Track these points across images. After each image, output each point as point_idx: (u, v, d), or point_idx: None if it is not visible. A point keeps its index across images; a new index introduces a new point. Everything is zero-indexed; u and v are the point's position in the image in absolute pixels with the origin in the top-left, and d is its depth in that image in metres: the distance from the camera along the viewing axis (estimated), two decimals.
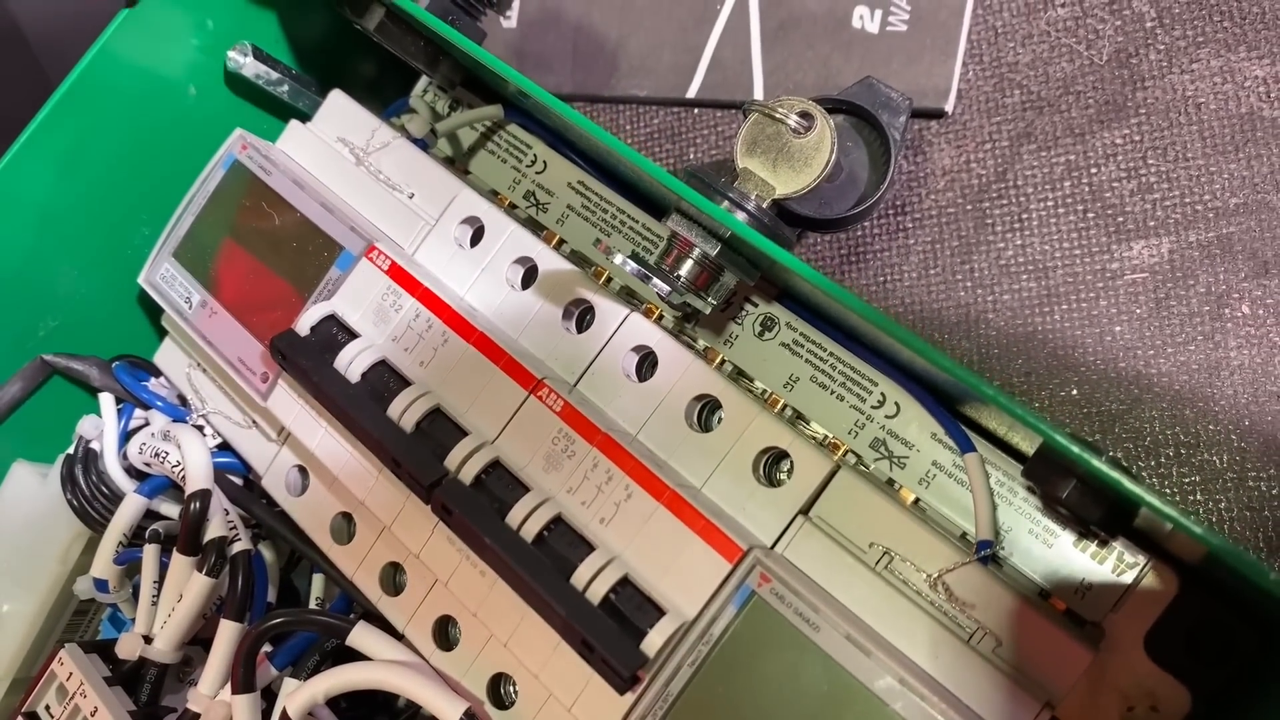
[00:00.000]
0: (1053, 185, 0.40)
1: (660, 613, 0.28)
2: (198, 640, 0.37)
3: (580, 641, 0.28)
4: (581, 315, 0.34)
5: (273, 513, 0.37)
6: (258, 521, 0.37)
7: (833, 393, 0.33)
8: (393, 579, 0.35)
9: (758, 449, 0.30)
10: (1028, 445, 0.30)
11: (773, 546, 0.29)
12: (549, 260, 0.34)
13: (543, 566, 0.28)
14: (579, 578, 0.28)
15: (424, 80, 0.43)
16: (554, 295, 0.34)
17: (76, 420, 0.41)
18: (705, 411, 0.32)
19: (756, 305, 0.35)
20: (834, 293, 0.27)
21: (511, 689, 0.32)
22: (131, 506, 0.38)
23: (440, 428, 0.32)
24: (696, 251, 0.32)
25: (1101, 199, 0.39)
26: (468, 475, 0.30)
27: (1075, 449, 0.24)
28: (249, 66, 0.39)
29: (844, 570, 0.28)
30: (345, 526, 0.36)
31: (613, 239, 0.38)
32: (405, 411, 0.32)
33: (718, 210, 0.28)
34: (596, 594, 0.28)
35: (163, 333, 0.42)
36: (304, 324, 0.34)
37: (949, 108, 0.42)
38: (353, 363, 0.33)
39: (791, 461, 0.30)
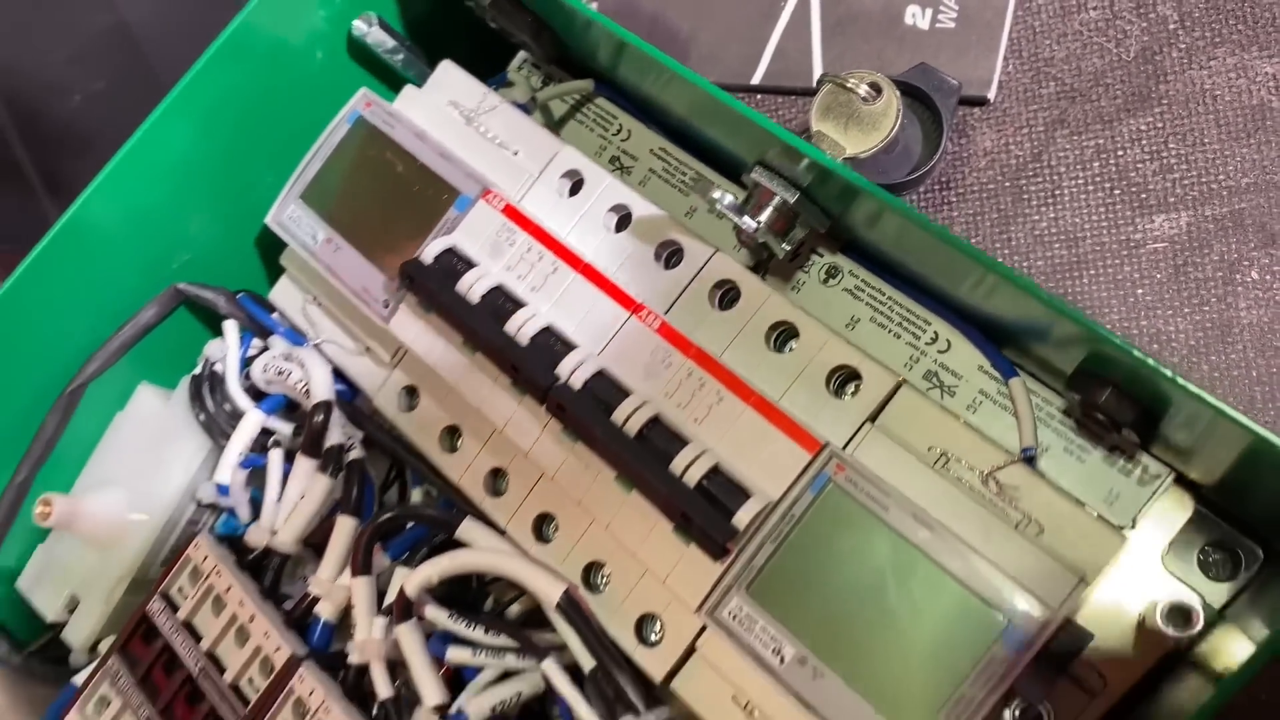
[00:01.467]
0: (1083, 165, 0.45)
1: (747, 495, 0.32)
2: (307, 544, 0.41)
3: (680, 516, 0.32)
4: (670, 255, 0.38)
5: (382, 428, 0.41)
6: (368, 436, 0.41)
7: (890, 331, 0.38)
8: (494, 484, 0.39)
9: (830, 367, 0.35)
10: (1069, 367, 0.34)
11: (843, 448, 0.34)
12: (642, 208, 0.39)
13: (647, 455, 0.33)
14: (677, 464, 0.33)
15: (519, 56, 0.48)
16: (646, 237, 0.38)
17: (193, 351, 0.46)
18: (781, 337, 0.36)
19: (822, 255, 0.40)
20: (923, 223, 0.31)
21: (602, 577, 0.36)
22: (253, 420, 0.42)
23: (551, 342, 0.36)
24: (776, 199, 0.36)
25: (1127, 178, 0.44)
26: (577, 381, 0.35)
27: (1118, 340, 0.28)
28: (372, 35, 0.44)
29: (906, 468, 0.33)
30: (450, 439, 0.40)
31: (690, 197, 0.42)
32: (521, 327, 0.36)
33: (815, 150, 0.32)
34: (693, 478, 0.32)
35: (276, 274, 0.46)
36: (428, 254, 0.38)
37: (991, 96, 0.47)
38: (473, 287, 0.37)
39: (860, 381, 0.35)
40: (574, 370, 0.35)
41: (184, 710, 0.37)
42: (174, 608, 0.38)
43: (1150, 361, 0.28)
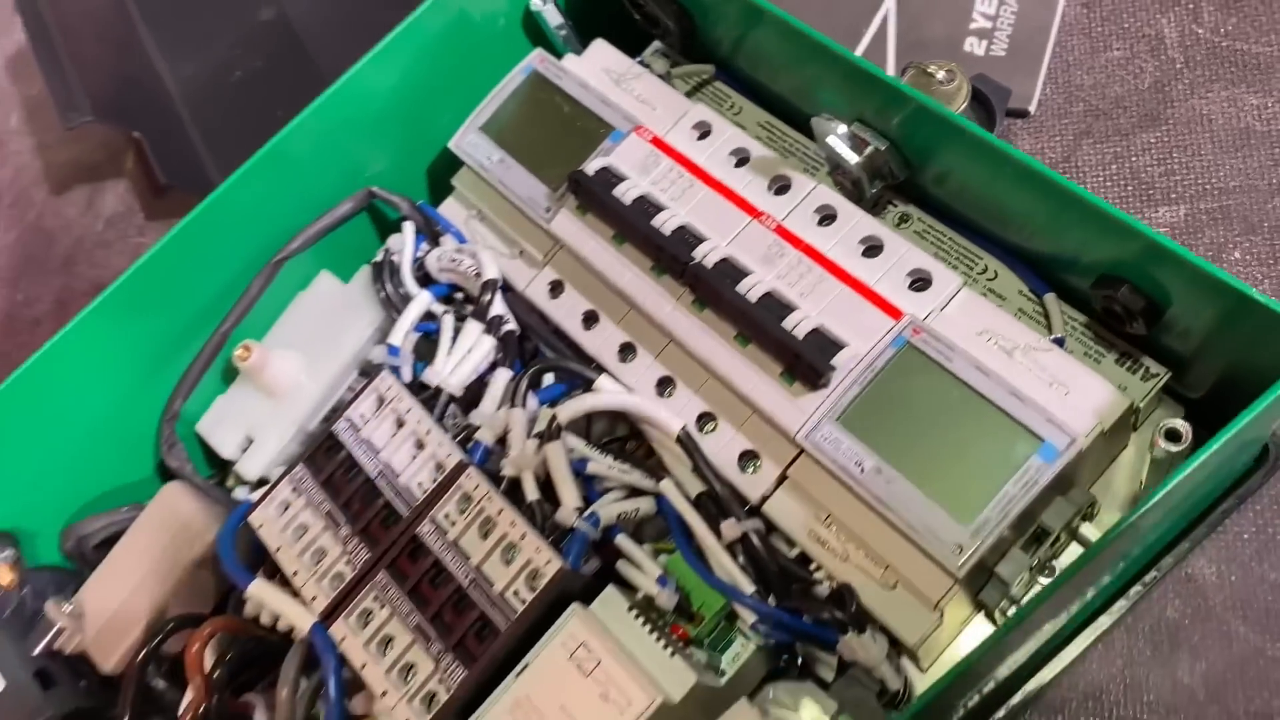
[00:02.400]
0: (1103, 167, 0.56)
1: (840, 348, 0.42)
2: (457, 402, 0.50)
3: (792, 357, 0.41)
4: (780, 188, 0.48)
5: (531, 312, 0.51)
6: (519, 318, 0.51)
7: (949, 264, 0.48)
8: (624, 355, 0.48)
9: (908, 269, 0.44)
10: (1087, 283, 0.44)
11: None
12: (758, 149, 0.49)
13: (766, 313, 0.43)
14: (789, 321, 0.42)
15: (652, 46, 0.59)
16: (761, 171, 0.49)
17: (361, 252, 0.56)
18: (871, 250, 0.46)
19: (895, 205, 0.50)
20: (1010, 151, 0.41)
21: (711, 425, 0.45)
22: (423, 299, 0.52)
23: (687, 234, 0.46)
24: (870, 148, 0.47)
25: (1138, 178, 0.55)
26: (710, 261, 0.45)
27: (1146, 229, 0.38)
28: (548, 13, 0.56)
29: (966, 341, 0.42)
30: (588, 321, 0.49)
31: (789, 161, 0.53)
32: (665, 222, 0.46)
33: (929, 99, 0.43)
34: (801, 332, 0.42)
35: (439, 196, 0.56)
36: (590, 168, 0.49)
37: (1031, 110, 0.58)
38: (626, 192, 0.47)
39: (931, 284, 0.44)
40: (707, 253, 0.45)
41: (360, 506, 0.46)
42: (356, 428, 0.47)
43: (1163, 238, 0.38)
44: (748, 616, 0.42)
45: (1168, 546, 0.47)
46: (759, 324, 0.43)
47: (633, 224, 0.46)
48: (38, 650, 0.49)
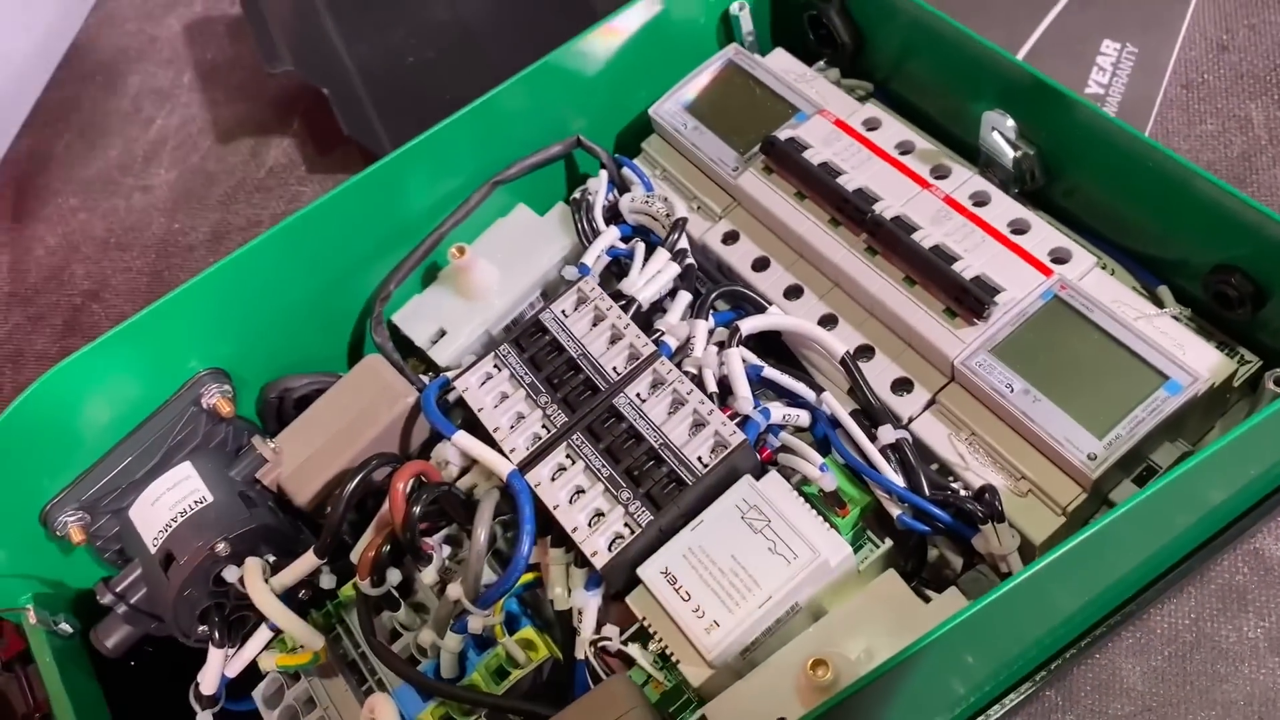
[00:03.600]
0: None
1: (999, 292, 0.50)
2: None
3: (959, 292, 0.49)
4: (941, 174, 0.57)
5: (707, 255, 0.59)
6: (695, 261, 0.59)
7: None
8: (791, 295, 0.56)
9: (1051, 246, 0.53)
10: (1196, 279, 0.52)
11: None
12: (921, 142, 0.58)
13: (937, 257, 0.51)
14: (957, 266, 0.50)
15: (817, 64, 0.68)
16: (923, 160, 0.57)
17: (550, 194, 0.64)
18: (1018, 231, 0.54)
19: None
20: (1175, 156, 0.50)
21: (870, 356, 0.53)
22: (612, 233, 0.59)
23: (867, 193, 0.54)
24: (1020, 151, 0.56)
25: None
26: (888, 213, 0.53)
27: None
28: (743, 18, 0.65)
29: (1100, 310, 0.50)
30: (758, 266, 0.57)
31: (947, 153, 0.62)
32: (847, 181, 0.55)
33: (1091, 104, 0.52)
34: (967, 275, 0.50)
35: (627, 155, 0.65)
36: (781, 134, 0.57)
37: None
38: (814, 156, 0.56)
39: (1070, 261, 0.52)
40: (885, 209, 0.53)
41: (560, 380, 0.52)
42: (559, 319, 0.54)
43: None
44: (894, 509, 0.49)
45: (1238, 519, 0.54)
46: (931, 265, 0.51)
47: (819, 180, 0.55)
48: (241, 478, 0.55)
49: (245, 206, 0.88)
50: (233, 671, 0.53)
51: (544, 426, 0.52)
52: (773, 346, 0.55)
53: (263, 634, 0.53)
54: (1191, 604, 0.54)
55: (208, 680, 0.52)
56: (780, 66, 0.64)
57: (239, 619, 0.54)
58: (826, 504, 0.50)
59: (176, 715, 0.55)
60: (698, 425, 0.49)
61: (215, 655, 0.52)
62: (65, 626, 0.55)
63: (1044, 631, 0.51)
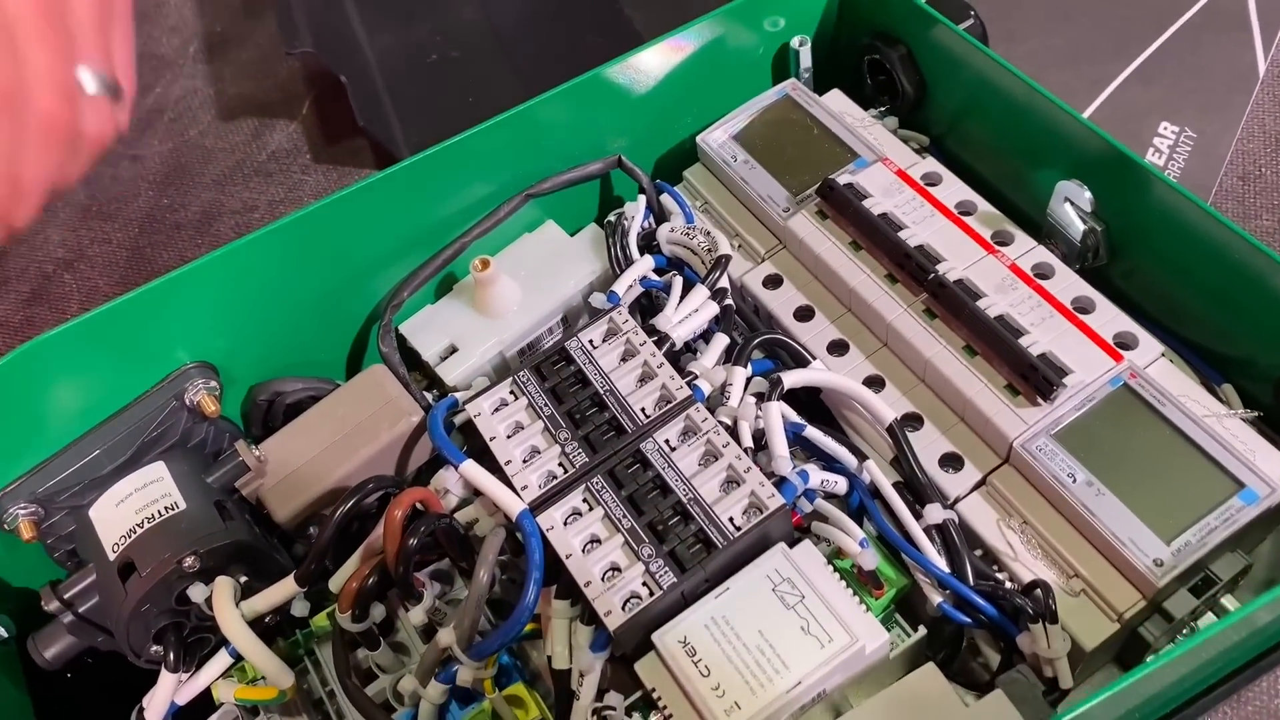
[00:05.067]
0: None
1: (1067, 373, 0.46)
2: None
3: (1027, 369, 0.46)
4: (1002, 240, 0.54)
5: (744, 297, 0.55)
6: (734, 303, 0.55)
7: None
8: (835, 350, 0.52)
9: (1116, 330, 0.50)
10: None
11: None
12: (983, 205, 0.55)
13: (1003, 329, 0.47)
14: (1024, 340, 0.47)
15: (871, 111, 0.65)
16: (984, 224, 0.54)
17: (583, 214, 0.60)
18: (1083, 310, 0.51)
19: None
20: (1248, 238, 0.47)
21: (916, 425, 0.49)
22: (647, 262, 0.55)
23: (928, 254, 0.51)
24: (1088, 225, 0.53)
25: None
26: (951, 276, 0.50)
27: None
28: (803, 54, 0.62)
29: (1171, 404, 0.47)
30: (801, 316, 0.54)
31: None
32: (909, 237, 0.51)
33: (1171, 180, 0.49)
34: (1034, 350, 0.47)
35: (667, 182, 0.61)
36: (840, 180, 0.54)
37: None
38: (874, 206, 0.53)
39: (1136, 348, 0.49)
40: (948, 271, 0.50)
41: (583, 416, 0.48)
42: (586, 350, 0.50)
43: None
44: (934, 595, 0.45)
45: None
46: (997, 336, 0.47)
47: (879, 232, 0.51)
48: (218, 485, 0.50)
49: (241, 189, 0.83)
50: (184, 699, 0.48)
51: (561, 465, 0.47)
52: (807, 404, 0.52)
53: (221, 660, 0.48)
54: None
55: (155, 706, 0.47)
56: (838, 108, 0.60)
57: (198, 640, 0.49)
58: (860, 582, 0.46)
59: None
60: (732, 482, 0.45)
61: (167, 680, 0.47)
62: (0, 630, 0.49)
63: None
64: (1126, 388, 0.47)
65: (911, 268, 0.50)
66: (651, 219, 0.59)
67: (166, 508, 0.47)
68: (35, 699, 0.51)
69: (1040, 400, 0.46)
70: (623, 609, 0.43)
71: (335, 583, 0.48)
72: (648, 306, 0.56)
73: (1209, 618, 0.47)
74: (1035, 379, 0.46)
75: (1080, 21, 0.77)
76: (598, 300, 0.55)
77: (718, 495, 0.45)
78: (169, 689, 0.47)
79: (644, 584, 0.43)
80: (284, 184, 0.83)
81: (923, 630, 0.46)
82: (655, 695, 0.43)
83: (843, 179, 0.55)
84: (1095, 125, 0.52)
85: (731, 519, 0.44)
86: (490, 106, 0.57)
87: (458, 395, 0.51)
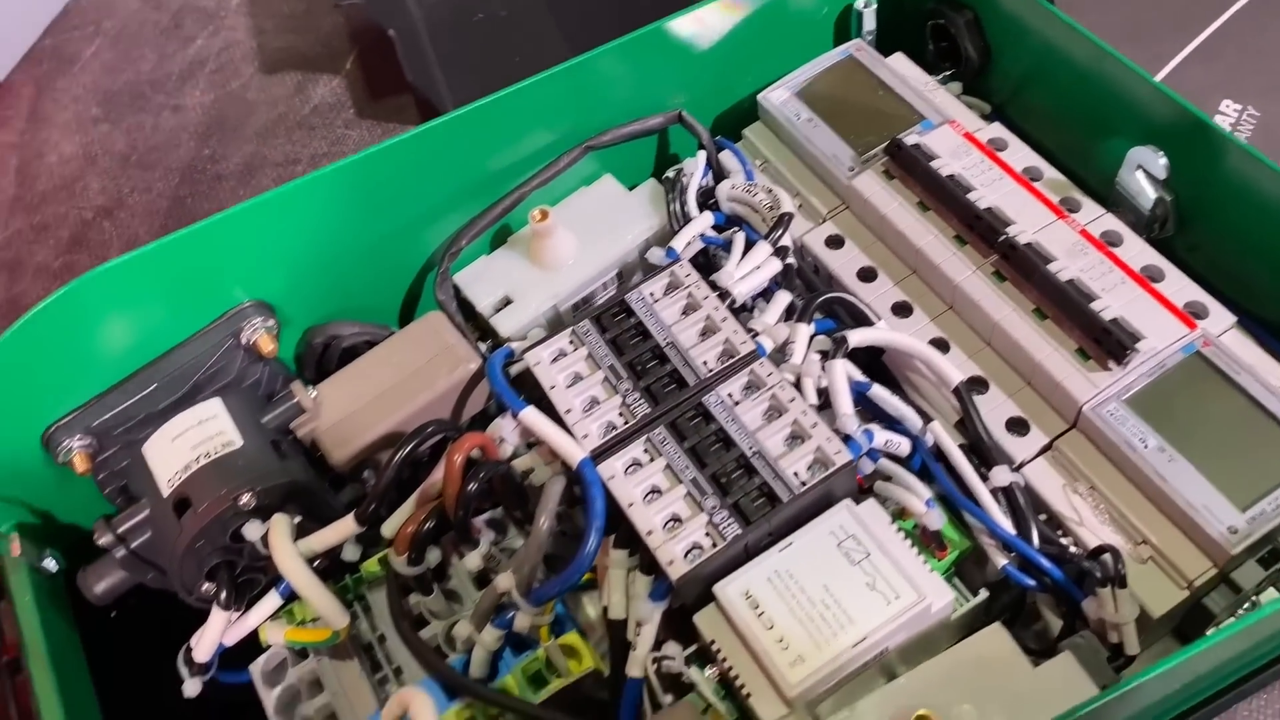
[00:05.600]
0: None
1: (1140, 338, 0.46)
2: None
3: (1101, 329, 0.45)
4: (1070, 207, 0.53)
5: (804, 257, 0.54)
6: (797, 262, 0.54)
7: None
8: (899, 312, 0.52)
9: (1187, 299, 0.49)
10: None
11: None
12: (1050, 172, 0.54)
13: (1075, 293, 0.46)
14: (1096, 305, 0.46)
15: (938, 76, 0.64)
16: (1052, 190, 0.53)
17: (640, 169, 0.60)
18: (1151, 277, 0.50)
19: None
20: None
21: (981, 389, 0.49)
22: (707, 218, 0.55)
23: (998, 216, 0.50)
24: (1158, 195, 0.52)
25: None
26: (1022, 238, 0.49)
27: None
28: (867, 16, 0.61)
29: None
30: (864, 276, 0.53)
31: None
32: (979, 199, 0.50)
33: (1245, 146, 0.48)
34: (1106, 316, 0.46)
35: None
36: (908, 140, 0.53)
37: None
38: (942, 167, 0.52)
39: (1208, 313, 0.48)
40: (1019, 233, 0.49)
41: (644, 368, 0.47)
42: (647, 302, 0.49)
43: None
44: (999, 558, 0.44)
45: None
46: (1069, 300, 0.47)
47: (948, 193, 0.51)
48: (273, 425, 0.49)
49: (284, 142, 0.83)
50: (232, 639, 0.47)
51: (621, 416, 0.47)
52: (866, 368, 0.51)
53: (270, 601, 0.47)
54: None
55: (204, 645, 0.47)
56: (902, 71, 0.60)
57: (248, 581, 0.49)
58: (923, 543, 0.46)
59: (155, 677, 0.49)
60: (796, 438, 0.45)
61: (217, 618, 0.47)
62: (50, 564, 0.49)
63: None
64: (1199, 355, 0.46)
65: (982, 229, 0.50)
66: (710, 176, 0.58)
67: (223, 445, 0.47)
68: (82, 635, 0.51)
69: (1112, 365, 0.46)
70: (685, 558, 0.43)
71: (388, 528, 0.48)
72: (703, 265, 0.55)
73: (1270, 594, 0.46)
74: (1108, 343, 0.45)
75: None
76: (654, 256, 0.54)
77: (782, 450, 0.44)
78: (219, 627, 0.47)
79: (707, 535, 0.43)
80: (327, 138, 0.82)
81: (984, 593, 0.45)
82: (715, 647, 0.43)
83: (910, 140, 0.54)
84: (1170, 90, 0.51)
85: (796, 474, 0.44)
86: (536, 67, 0.56)
87: (513, 346, 0.51)
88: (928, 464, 0.47)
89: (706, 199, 0.57)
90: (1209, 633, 0.45)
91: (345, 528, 0.45)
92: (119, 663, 0.51)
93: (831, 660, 0.40)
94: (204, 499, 0.45)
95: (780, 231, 0.53)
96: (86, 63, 0.92)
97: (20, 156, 0.86)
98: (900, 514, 0.46)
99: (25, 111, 0.89)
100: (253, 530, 0.46)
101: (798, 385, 0.47)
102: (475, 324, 0.56)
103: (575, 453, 0.45)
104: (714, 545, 0.43)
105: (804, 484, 0.43)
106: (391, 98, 0.84)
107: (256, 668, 0.49)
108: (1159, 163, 0.51)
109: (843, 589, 0.42)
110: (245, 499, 0.45)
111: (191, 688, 0.48)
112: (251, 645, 0.48)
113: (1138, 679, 0.37)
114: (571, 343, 0.49)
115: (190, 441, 0.47)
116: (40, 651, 0.45)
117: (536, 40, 0.83)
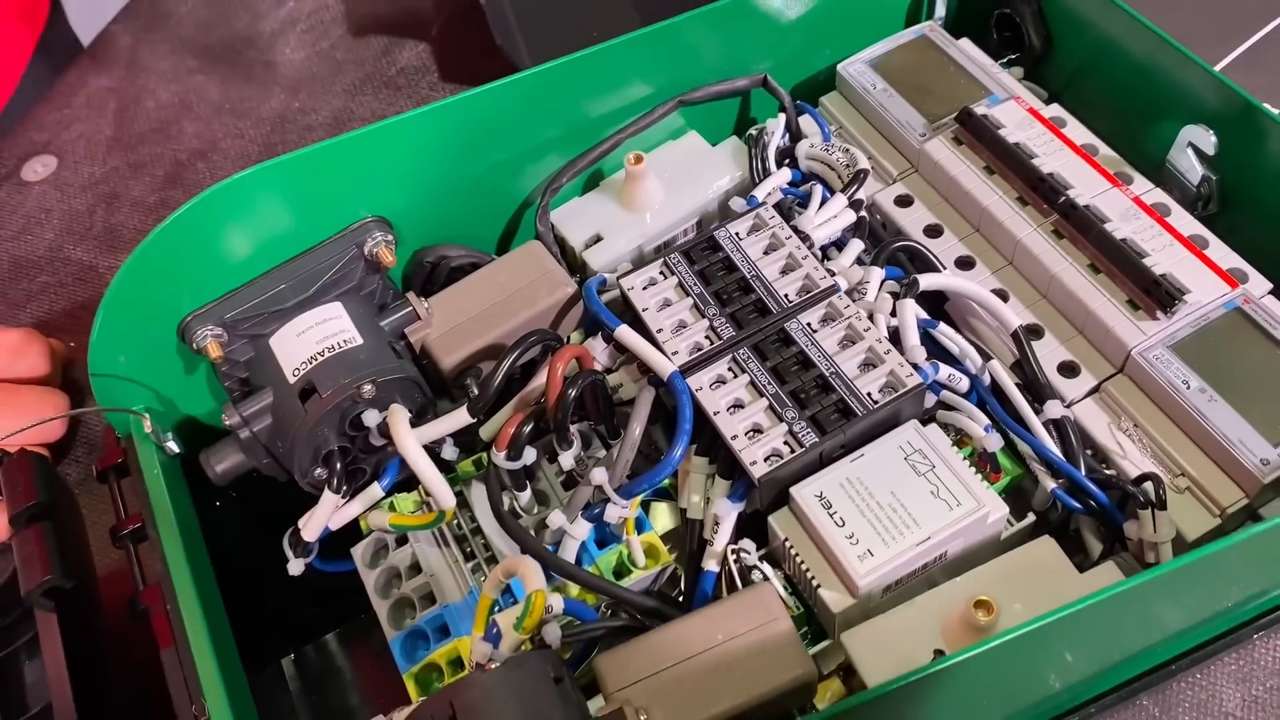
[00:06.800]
0: None
1: (1187, 292, 0.50)
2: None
3: (1147, 284, 0.50)
4: (1126, 179, 0.58)
5: (874, 214, 0.59)
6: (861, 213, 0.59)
7: None
8: (962, 265, 0.56)
9: (1230, 265, 0.53)
10: None
11: None
12: (1105, 150, 0.59)
13: (1128, 248, 0.51)
14: (1146, 261, 0.51)
15: (1004, 60, 0.69)
16: (1107, 165, 0.58)
17: (728, 132, 0.64)
18: (1197, 242, 0.55)
19: None
20: None
21: (1035, 336, 0.53)
22: (784, 174, 0.59)
23: (1059, 180, 0.55)
24: (1204, 173, 0.56)
25: None
26: (1080, 200, 0.53)
27: None
28: (939, 1, 0.66)
29: None
30: (930, 233, 0.58)
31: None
32: (1042, 164, 0.55)
33: (1276, 116, 0.53)
34: (1156, 271, 0.50)
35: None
36: (978, 110, 0.58)
37: None
38: (1009, 135, 0.56)
39: (1248, 279, 0.53)
40: (1077, 196, 0.54)
41: (730, 296, 0.52)
42: (734, 239, 0.54)
43: None
44: (1049, 482, 0.49)
45: None
46: (1123, 255, 0.51)
47: (1013, 157, 0.55)
48: (389, 329, 0.54)
49: (371, 100, 0.88)
50: (337, 524, 0.52)
51: (708, 338, 0.51)
52: (932, 311, 0.55)
53: (372, 492, 0.52)
54: None
55: (312, 525, 0.51)
56: (970, 53, 0.64)
57: (355, 470, 0.53)
58: (980, 467, 0.50)
59: (255, 560, 0.54)
60: (869, 364, 0.49)
61: (328, 500, 0.51)
62: (173, 445, 0.54)
63: (1151, 641, 0.51)
64: (1240, 311, 0.50)
65: (1044, 191, 0.54)
66: (788, 138, 0.62)
67: (345, 341, 0.51)
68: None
69: (1160, 315, 0.50)
70: (765, 462, 0.47)
71: (487, 431, 0.53)
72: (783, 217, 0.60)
73: None
74: (1158, 293, 0.50)
75: (1187, 6, 0.81)
76: (736, 204, 0.59)
77: (857, 373, 0.49)
78: (328, 509, 0.51)
79: (785, 442, 0.47)
80: (412, 98, 0.87)
81: (1032, 517, 0.50)
82: (789, 545, 0.47)
83: (979, 109, 0.58)
84: (1224, 76, 0.55)
85: (870, 393, 0.48)
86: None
87: (606, 276, 0.56)
88: (984, 398, 0.51)
89: (784, 159, 0.62)
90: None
91: (459, 418, 0.50)
92: (224, 546, 0.56)
93: (897, 555, 0.44)
94: (329, 386, 0.50)
95: (856, 186, 0.58)
96: (183, 18, 0.97)
97: (118, 100, 0.91)
98: (959, 443, 0.50)
99: (124, 60, 0.94)
100: (371, 417, 0.50)
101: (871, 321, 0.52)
102: (568, 262, 0.61)
103: (666, 365, 0.50)
104: (792, 451, 0.47)
105: (877, 402, 0.48)
106: (475, 64, 0.89)
107: (358, 552, 0.53)
108: (1209, 140, 0.55)
109: (909, 495, 0.46)
110: (367, 389, 0.50)
111: (295, 567, 0.52)
112: (344, 538, 0.53)
113: (1181, 561, 0.42)
114: (662, 273, 0.54)
115: (315, 337, 0.51)
116: (171, 522, 0.49)
117: (614, 16, 0.87)
